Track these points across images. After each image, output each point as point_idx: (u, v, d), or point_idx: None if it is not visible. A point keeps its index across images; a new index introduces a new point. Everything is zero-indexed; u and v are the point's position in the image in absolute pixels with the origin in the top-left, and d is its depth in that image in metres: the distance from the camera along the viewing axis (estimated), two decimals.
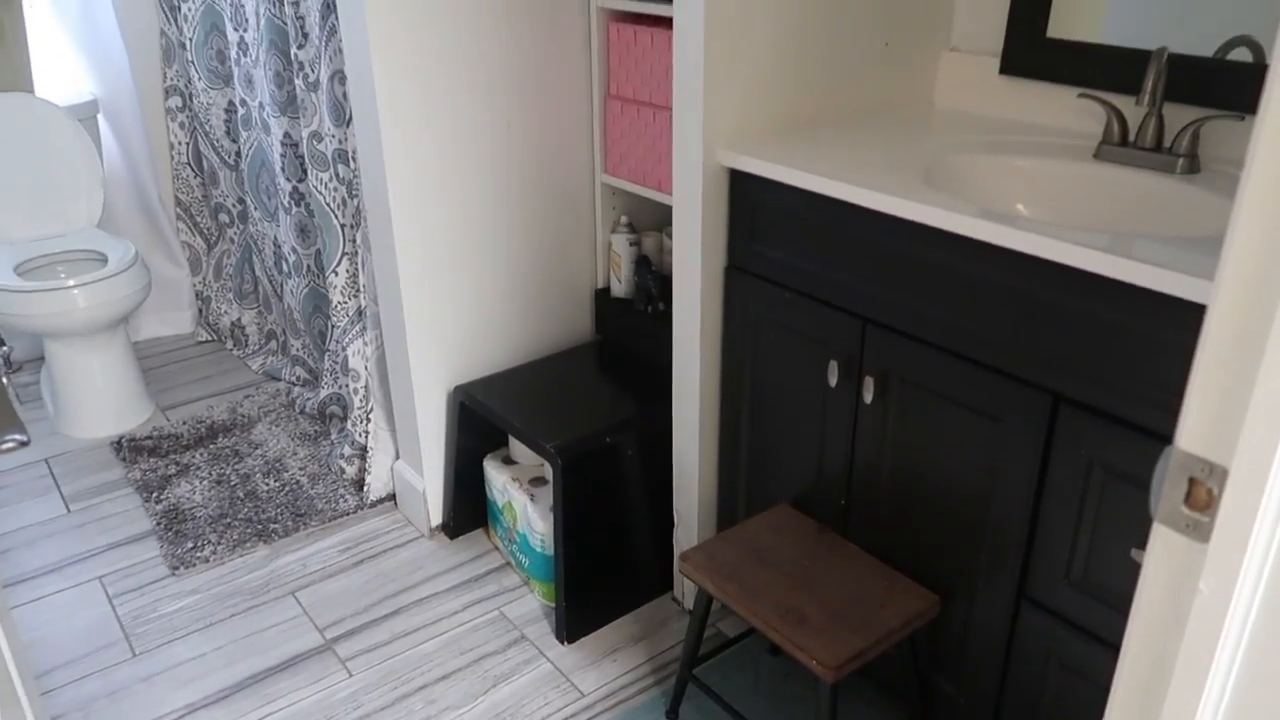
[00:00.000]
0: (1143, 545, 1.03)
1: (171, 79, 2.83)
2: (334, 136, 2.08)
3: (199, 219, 3.02)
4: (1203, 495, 0.51)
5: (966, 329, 1.31)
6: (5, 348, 1.49)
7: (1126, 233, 1.20)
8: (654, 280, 2.08)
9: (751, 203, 1.58)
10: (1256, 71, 1.44)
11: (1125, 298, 1.12)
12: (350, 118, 2.04)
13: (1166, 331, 1.09)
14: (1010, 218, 1.25)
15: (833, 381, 1.52)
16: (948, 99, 1.83)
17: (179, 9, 2.70)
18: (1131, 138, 1.50)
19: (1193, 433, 0.52)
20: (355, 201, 2.12)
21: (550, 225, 2.12)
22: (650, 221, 2.22)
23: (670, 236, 2.15)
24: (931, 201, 1.30)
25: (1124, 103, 1.55)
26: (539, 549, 1.94)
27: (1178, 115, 1.50)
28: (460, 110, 1.89)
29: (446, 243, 1.97)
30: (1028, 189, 1.52)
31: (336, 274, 2.20)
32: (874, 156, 1.51)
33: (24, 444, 0.98)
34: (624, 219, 2.15)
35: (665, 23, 1.88)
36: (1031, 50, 1.68)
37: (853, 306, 1.47)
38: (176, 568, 2.07)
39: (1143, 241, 1.15)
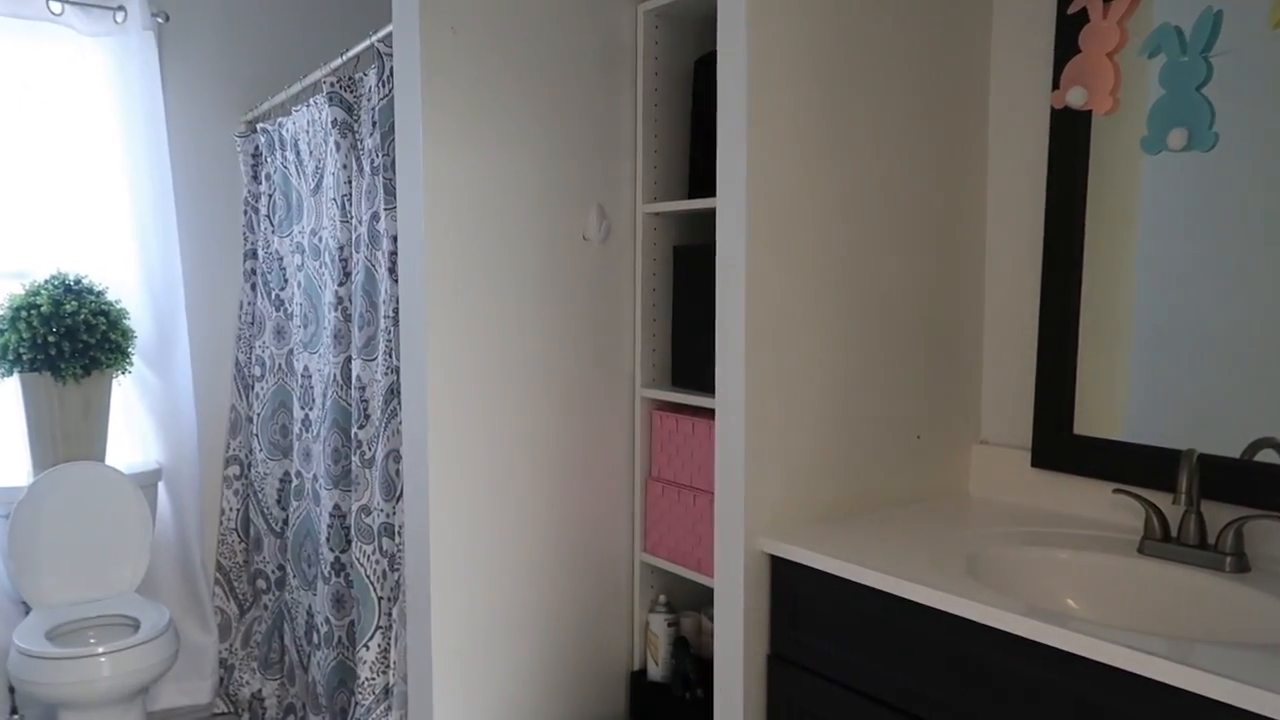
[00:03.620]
0: None
1: (234, 449, 2.99)
2: (382, 510, 2.14)
3: (237, 584, 3.03)
4: None
5: None
6: (16, 716, 1.43)
7: (1183, 634, 1.17)
8: (691, 664, 2.01)
9: (794, 590, 1.57)
10: None
11: (1185, 705, 1.06)
12: (400, 493, 2.11)
13: None
14: (1063, 617, 1.22)
15: None
16: (981, 489, 1.87)
17: (252, 387, 2.92)
18: (1174, 534, 1.50)
19: None
20: (396, 575, 2.13)
21: (587, 602, 2.10)
22: (689, 601, 2.20)
23: (710, 619, 2.11)
24: (979, 597, 1.28)
25: (1160, 498, 1.58)
26: None
27: (1217, 513, 1.51)
28: (506, 488, 1.96)
29: (484, 617, 1.94)
30: (1075, 583, 1.50)
31: (368, 648, 2.15)
32: (915, 547, 1.52)
33: None
34: (662, 598, 2.13)
35: (706, 413, 2.00)
36: (1060, 446, 1.74)
37: (905, 706, 1.40)
38: None
39: (1203, 647, 1.12)
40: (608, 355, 2.07)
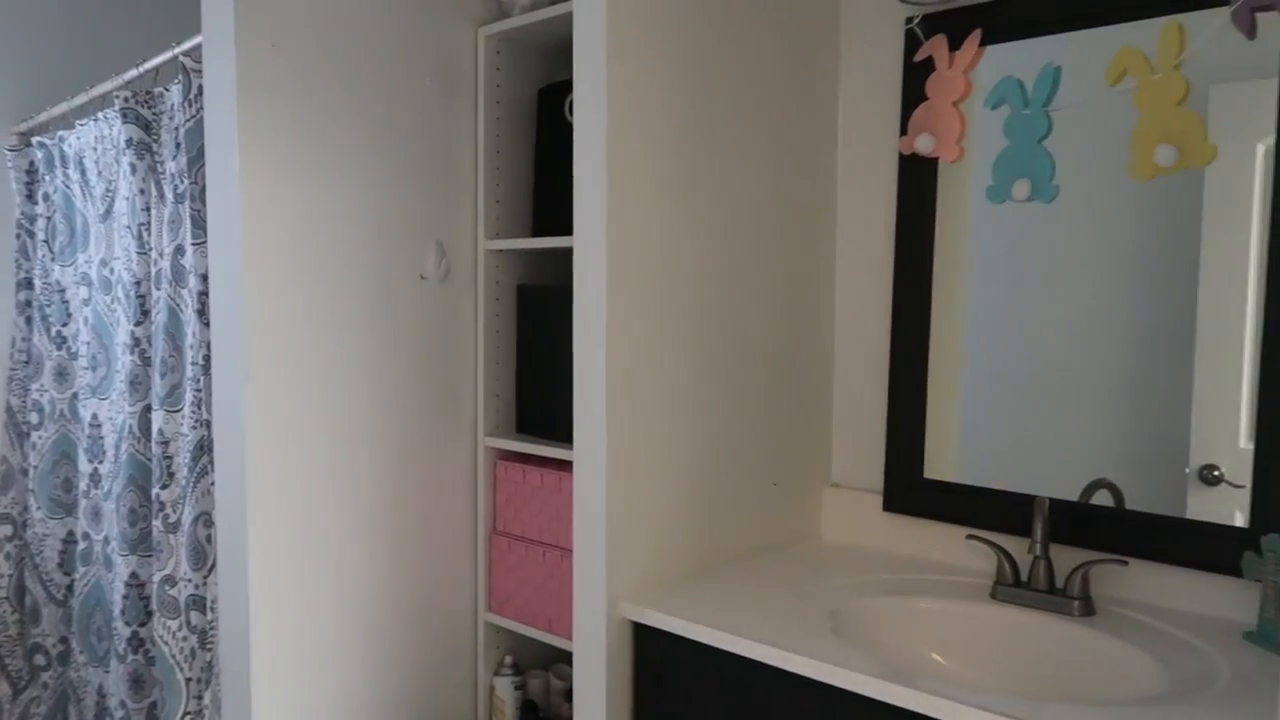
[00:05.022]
0: None
1: (5, 506, 2.61)
2: (190, 581, 1.90)
3: (9, 660, 2.64)
4: None
5: None
6: None
7: (1039, 681, 1.20)
8: None
9: (659, 658, 1.48)
10: (1119, 516, 1.53)
11: None
12: (213, 563, 1.88)
13: None
14: (916, 678, 1.22)
15: None
16: (834, 534, 1.85)
17: (28, 436, 2.56)
18: (1024, 578, 1.53)
19: None
20: (208, 654, 1.89)
21: (428, 670, 1.94)
22: (536, 660, 2.07)
23: (560, 677, 2.00)
24: (833, 659, 1.27)
25: (1009, 542, 1.60)
26: None
27: (1063, 556, 1.55)
28: (336, 552, 1.77)
29: (313, 697, 1.75)
30: (935, 633, 1.50)
31: None
32: (780, 604, 1.47)
33: None
34: (508, 659, 2.00)
35: (554, 463, 1.89)
36: (911, 490, 1.75)
37: None
38: None
39: (1050, 707, 1.14)
40: (448, 403, 1.93)
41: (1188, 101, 1.41)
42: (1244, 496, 1.43)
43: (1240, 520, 1.42)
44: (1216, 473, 1.47)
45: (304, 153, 1.69)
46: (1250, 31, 1.34)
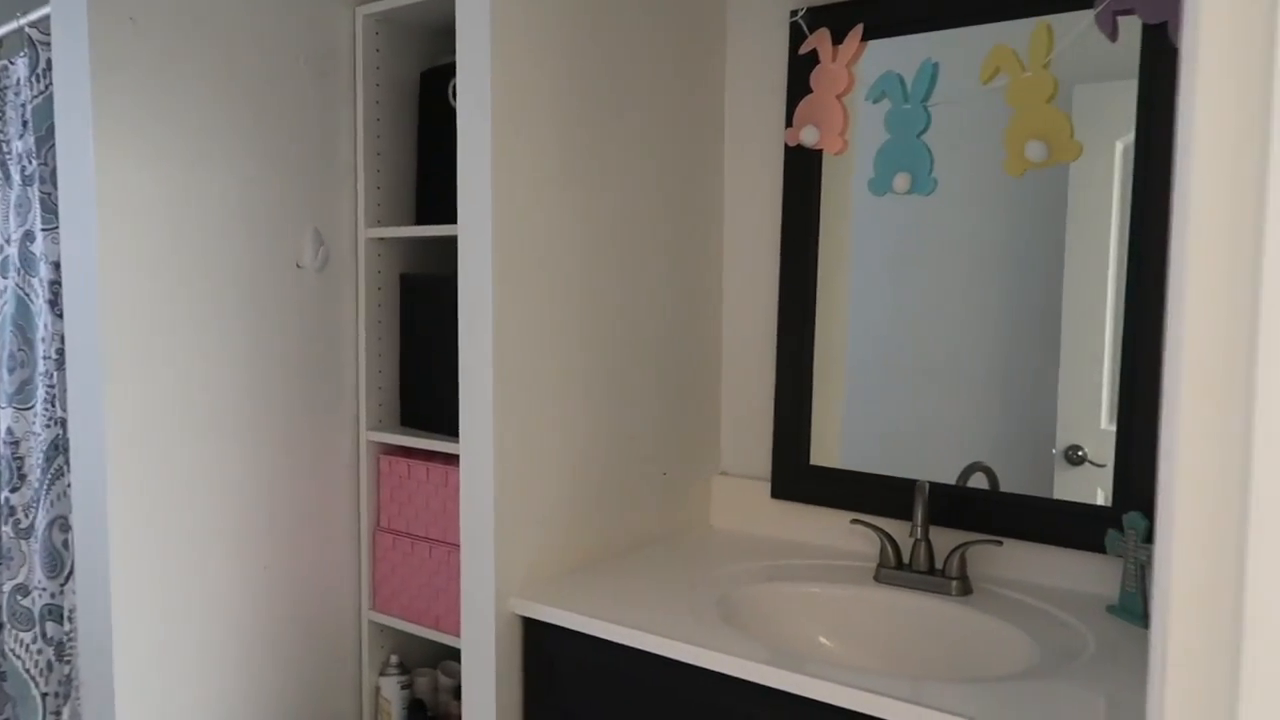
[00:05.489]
0: None
1: None
2: (45, 590, 1.78)
3: None
4: None
5: None
6: None
7: (922, 661, 1.25)
8: None
9: (550, 652, 1.46)
10: (994, 498, 1.59)
11: None
12: (70, 570, 1.76)
13: None
14: (803, 662, 1.24)
15: None
16: (724, 521, 1.87)
17: None
18: (906, 560, 1.57)
19: None
20: (66, 668, 1.78)
21: (310, 674, 1.86)
22: (424, 658, 2.02)
23: (447, 674, 1.96)
24: (722, 648, 1.28)
25: (892, 526, 1.64)
26: None
27: (945, 539, 1.60)
28: (207, 556, 1.69)
29: (184, 710, 1.66)
30: (822, 617, 1.53)
31: None
32: (670, 593, 1.47)
33: None
34: (394, 659, 1.94)
35: (441, 457, 1.84)
36: (797, 477, 1.77)
37: None
38: None
39: (932, 685, 1.18)
40: (328, 396, 1.86)
41: (1056, 100, 1.47)
42: (1106, 475, 1.50)
43: (1102, 499, 1.50)
44: (1080, 453, 1.54)
45: (167, 135, 1.59)
46: (1112, 33, 1.41)
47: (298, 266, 1.79)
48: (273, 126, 1.73)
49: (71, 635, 1.78)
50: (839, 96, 1.66)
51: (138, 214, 1.56)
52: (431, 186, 1.87)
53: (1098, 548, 1.45)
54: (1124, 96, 1.45)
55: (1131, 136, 1.44)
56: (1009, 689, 1.16)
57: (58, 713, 1.80)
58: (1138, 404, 1.45)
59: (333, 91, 1.82)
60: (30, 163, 1.77)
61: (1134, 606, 1.38)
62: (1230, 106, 0.46)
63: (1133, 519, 1.39)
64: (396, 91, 1.90)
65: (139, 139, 1.56)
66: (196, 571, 1.67)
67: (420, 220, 1.90)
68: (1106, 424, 1.51)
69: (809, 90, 1.69)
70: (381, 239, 1.89)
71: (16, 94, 1.83)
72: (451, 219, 1.75)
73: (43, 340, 1.76)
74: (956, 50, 1.57)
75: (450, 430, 1.74)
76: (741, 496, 1.84)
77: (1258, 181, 0.45)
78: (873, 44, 1.64)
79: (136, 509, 1.59)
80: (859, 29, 1.63)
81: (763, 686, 1.23)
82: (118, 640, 1.58)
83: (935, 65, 1.58)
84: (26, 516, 1.83)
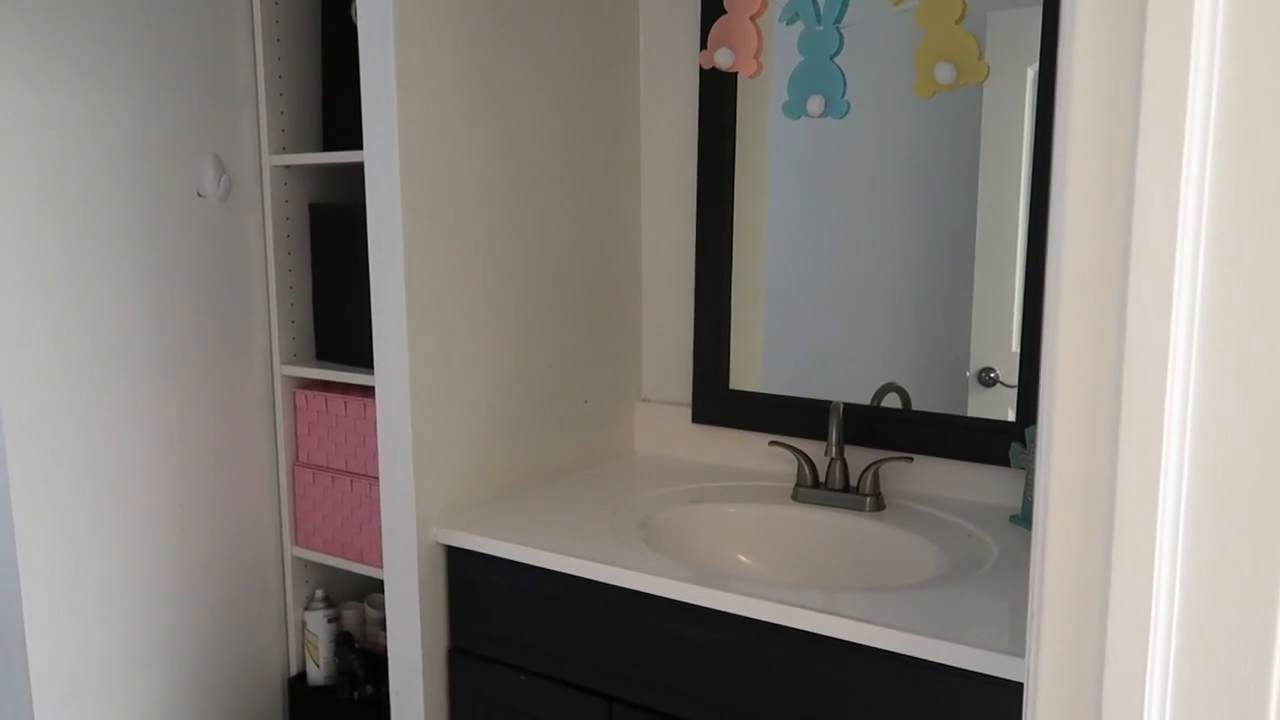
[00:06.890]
0: None
1: None
2: None
3: None
4: None
5: (708, 699, 1.26)
6: None
7: (838, 574, 1.31)
8: (359, 660, 1.86)
9: (472, 579, 1.47)
10: (906, 417, 1.64)
11: (836, 651, 1.15)
12: None
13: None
14: (724, 579, 1.27)
15: None
16: (646, 447, 1.89)
17: None
18: (822, 479, 1.61)
19: None
20: None
21: (232, 611, 1.85)
22: (350, 591, 2.02)
23: (374, 606, 1.96)
24: (647, 568, 1.30)
25: (809, 447, 1.68)
26: None
27: (857, 457, 1.64)
28: (117, 498, 1.65)
29: (100, 653, 1.64)
30: (742, 536, 1.56)
31: None
32: (591, 518, 1.49)
33: None
34: (319, 593, 1.94)
35: (358, 389, 1.81)
36: (717, 402, 1.80)
37: (595, 685, 1.37)
38: None
39: (848, 595, 1.24)
40: (237, 330, 1.81)
41: (965, 21, 1.48)
42: (1014, 395, 1.55)
43: (1011, 416, 1.55)
44: (993, 375, 1.59)
45: (46, 53, 1.50)
46: None
47: (199, 196, 1.72)
48: (163, 46, 1.64)
49: None
50: (753, 18, 1.64)
51: (16, 140, 1.48)
52: (339, 112, 1.81)
53: (1003, 462, 1.51)
54: (1034, 23, 1.46)
55: (1038, 65, 1.46)
56: (918, 596, 1.21)
57: None
58: (1041, 326, 1.49)
59: (228, 8, 1.73)
60: None
61: (1033, 515, 1.44)
62: (1105, 43, 0.47)
63: (1034, 432, 1.44)
64: (298, 9, 1.82)
65: (13, 59, 1.46)
66: (105, 511, 1.63)
67: (328, 146, 1.84)
68: (1017, 346, 1.56)
69: (723, 11, 1.66)
70: (287, 166, 1.83)
71: None
72: (360, 145, 1.69)
73: None
74: None
75: (368, 363, 1.71)
76: (663, 422, 1.86)
77: (1131, 109, 0.46)
78: None
79: (37, 451, 1.53)
80: None
81: (685, 604, 1.26)
82: (26, 585, 1.54)
83: None
84: None
